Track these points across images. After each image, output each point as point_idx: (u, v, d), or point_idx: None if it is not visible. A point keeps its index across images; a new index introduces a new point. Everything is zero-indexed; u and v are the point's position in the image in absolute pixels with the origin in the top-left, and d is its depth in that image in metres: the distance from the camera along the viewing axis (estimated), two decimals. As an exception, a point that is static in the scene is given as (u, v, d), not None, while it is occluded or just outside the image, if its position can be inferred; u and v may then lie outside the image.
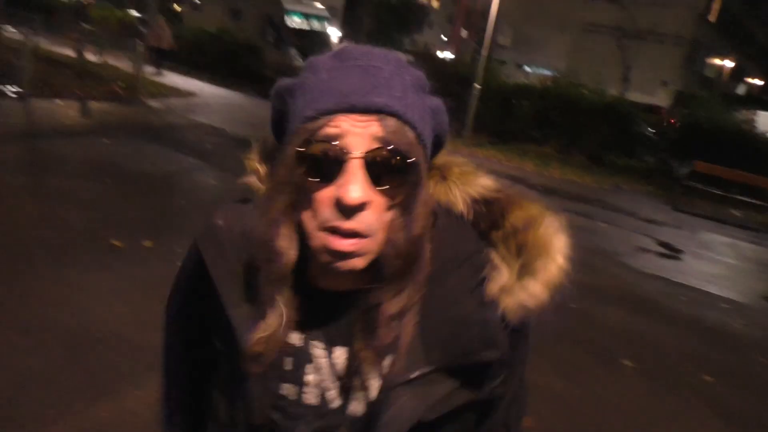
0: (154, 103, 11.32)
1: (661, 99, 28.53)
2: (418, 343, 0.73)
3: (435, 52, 22.57)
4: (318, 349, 0.78)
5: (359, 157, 0.64)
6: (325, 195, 0.66)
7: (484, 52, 14.48)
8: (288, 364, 0.78)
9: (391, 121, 0.65)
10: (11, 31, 10.64)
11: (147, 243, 4.40)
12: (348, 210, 0.64)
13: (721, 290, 6.06)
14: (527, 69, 35.48)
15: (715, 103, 13.29)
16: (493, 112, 14.52)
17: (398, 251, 0.68)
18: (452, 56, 26.41)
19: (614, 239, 7.57)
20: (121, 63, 13.43)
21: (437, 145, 0.76)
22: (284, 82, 0.73)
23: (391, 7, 45.02)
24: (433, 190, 0.78)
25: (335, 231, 0.66)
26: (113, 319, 3.25)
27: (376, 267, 0.70)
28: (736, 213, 10.66)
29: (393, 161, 0.65)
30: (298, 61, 17.76)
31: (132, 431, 2.43)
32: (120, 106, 10.45)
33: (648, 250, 7.28)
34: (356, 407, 0.77)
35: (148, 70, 14.90)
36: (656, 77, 32.20)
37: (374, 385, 0.76)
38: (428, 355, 0.73)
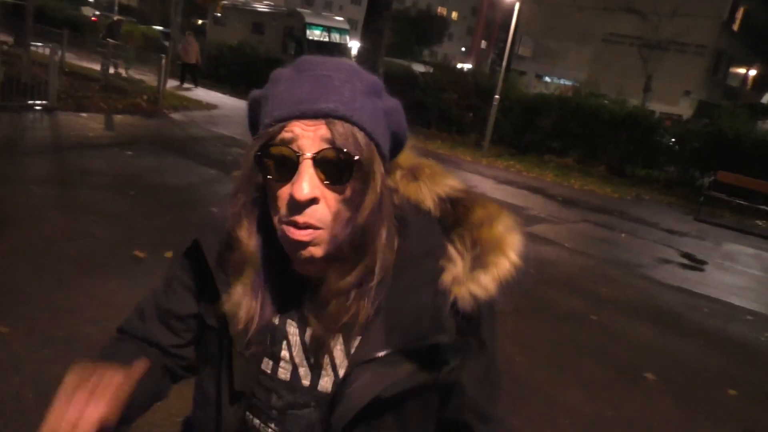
0: (176, 116, 11.50)
1: (684, 109, 28.24)
2: (382, 327, 0.80)
3: (455, 63, 22.60)
4: (292, 328, 0.86)
5: (309, 158, 0.72)
6: (284, 192, 0.74)
7: (504, 63, 14.50)
8: (268, 339, 0.86)
9: (339, 124, 0.72)
10: (39, 47, 10.89)
11: (168, 254, 4.46)
12: (300, 205, 0.72)
13: (745, 302, 5.96)
14: (547, 79, 35.38)
15: (739, 113, 13.11)
16: (512, 122, 14.50)
17: (343, 240, 0.75)
18: (471, 67, 26.43)
19: (636, 250, 7.50)
20: (146, 77, 13.66)
21: (397, 143, 0.83)
22: (255, 93, 0.82)
23: (411, 19, 45.33)
24: (404, 189, 0.86)
25: (292, 224, 0.73)
26: (135, 329, 3.29)
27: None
28: (761, 223, 10.49)
29: (340, 160, 0.72)
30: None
31: (153, 440, 2.47)
32: (143, 119, 10.64)
33: (670, 261, 7.19)
34: (325, 384, 0.85)
35: (175, 84, 15.18)
36: (679, 87, 31.89)
37: (342, 364, 0.83)
38: (389, 337, 0.80)
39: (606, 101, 14.24)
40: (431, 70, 17.41)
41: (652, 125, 13.34)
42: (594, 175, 13.11)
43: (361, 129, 0.73)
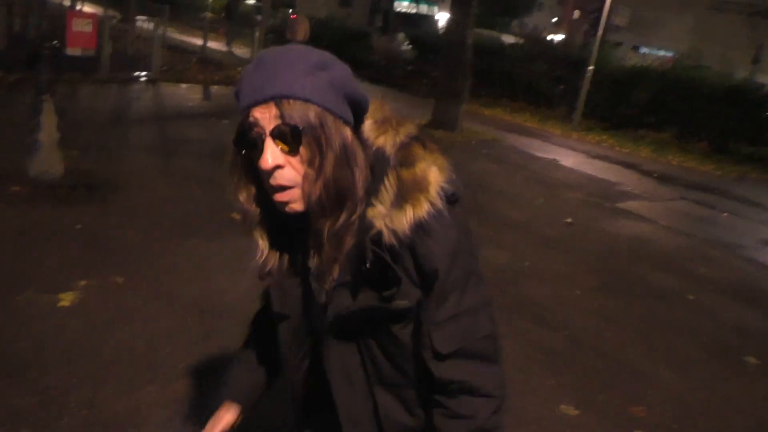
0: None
1: (798, 81, 26.07)
2: (346, 257, 0.96)
3: (545, 34, 21.89)
4: (310, 260, 1.02)
5: (267, 134, 0.88)
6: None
7: (599, 32, 13.86)
8: (299, 268, 1.06)
9: (286, 102, 0.86)
10: (143, 20, 11.46)
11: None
12: (270, 172, 0.89)
13: None
14: (644, 50, 33.57)
15: None
16: (605, 96, 13.89)
17: (314, 195, 0.89)
18: (563, 38, 25.47)
19: (738, 231, 7.09)
20: (240, 50, 14.02)
21: (356, 102, 0.94)
22: (235, 89, 0.96)
23: (500, -11, 44.03)
24: (374, 140, 0.98)
25: (272, 189, 0.91)
26: (232, 288, 3.48)
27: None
28: None
29: (289, 131, 0.87)
30: (406, 47, 17.88)
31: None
32: (237, 91, 11.00)
33: (776, 243, 6.76)
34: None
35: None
36: (793, 58, 29.42)
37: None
38: (351, 266, 0.96)
39: (708, 73, 13.34)
40: (521, 41, 16.90)
41: (760, 100, 12.43)
42: (694, 151, 12.41)
43: (306, 101, 0.87)
